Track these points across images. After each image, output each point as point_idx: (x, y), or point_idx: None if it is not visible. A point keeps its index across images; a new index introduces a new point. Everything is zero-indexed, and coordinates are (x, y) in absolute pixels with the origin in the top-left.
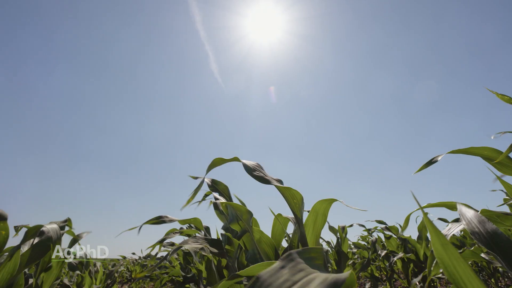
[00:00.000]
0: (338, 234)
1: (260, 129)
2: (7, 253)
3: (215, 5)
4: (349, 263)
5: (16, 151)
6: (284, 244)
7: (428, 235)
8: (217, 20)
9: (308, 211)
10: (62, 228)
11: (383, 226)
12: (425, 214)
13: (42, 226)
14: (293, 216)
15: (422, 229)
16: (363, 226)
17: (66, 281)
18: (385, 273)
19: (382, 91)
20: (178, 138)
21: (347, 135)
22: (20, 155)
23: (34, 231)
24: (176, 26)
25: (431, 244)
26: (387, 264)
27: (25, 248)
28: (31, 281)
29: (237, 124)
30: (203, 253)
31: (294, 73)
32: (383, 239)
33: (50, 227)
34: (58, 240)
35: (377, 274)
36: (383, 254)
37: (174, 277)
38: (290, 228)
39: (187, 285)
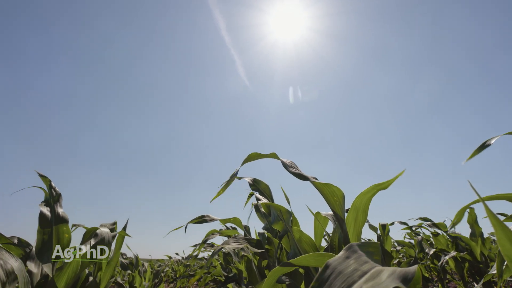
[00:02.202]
0: (379, 232)
1: (286, 127)
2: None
3: (239, 3)
4: (394, 262)
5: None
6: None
7: (483, 231)
8: (241, 19)
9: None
10: (112, 230)
11: (428, 223)
12: (486, 206)
13: (97, 228)
14: (332, 213)
15: (473, 224)
16: (405, 224)
17: (119, 279)
18: (436, 273)
19: (405, 88)
20: (210, 141)
21: (368, 132)
22: (30, 156)
23: (91, 233)
24: (202, 36)
25: (497, 241)
26: (437, 263)
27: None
28: (90, 278)
29: (265, 123)
30: (243, 253)
31: (317, 70)
32: (431, 236)
33: (104, 230)
34: (109, 243)
35: (426, 275)
36: (431, 252)
37: (216, 277)
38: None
39: (229, 285)
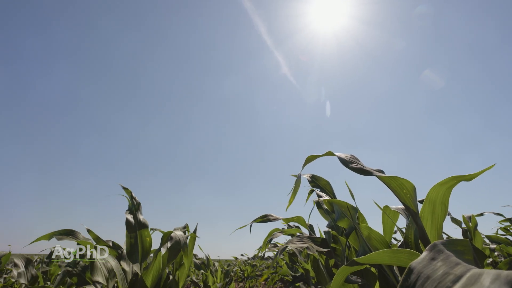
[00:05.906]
0: (463, 225)
1: (326, 121)
2: (151, 255)
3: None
4: (487, 262)
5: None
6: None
7: None
8: (281, 12)
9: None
10: (184, 233)
11: None
12: None
13: (172, 232)
14: (402, 207)
15: None
16: (500, 215)
17: (194, 278)
18: None
19: (454, 77)
20: (267, 142)
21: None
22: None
23: (167, 236)
24: (245, 44)
25: None
26: None
27: (163, 250)
28: (170, 277)
29: (308, 118)
30: (309, 252)
31: (359, 58)
32: None
33: (178, 234)
34: (184, 245)
35: None
36: None
37: (283, 276)
38: (401, 223)
39: (297, 284)
